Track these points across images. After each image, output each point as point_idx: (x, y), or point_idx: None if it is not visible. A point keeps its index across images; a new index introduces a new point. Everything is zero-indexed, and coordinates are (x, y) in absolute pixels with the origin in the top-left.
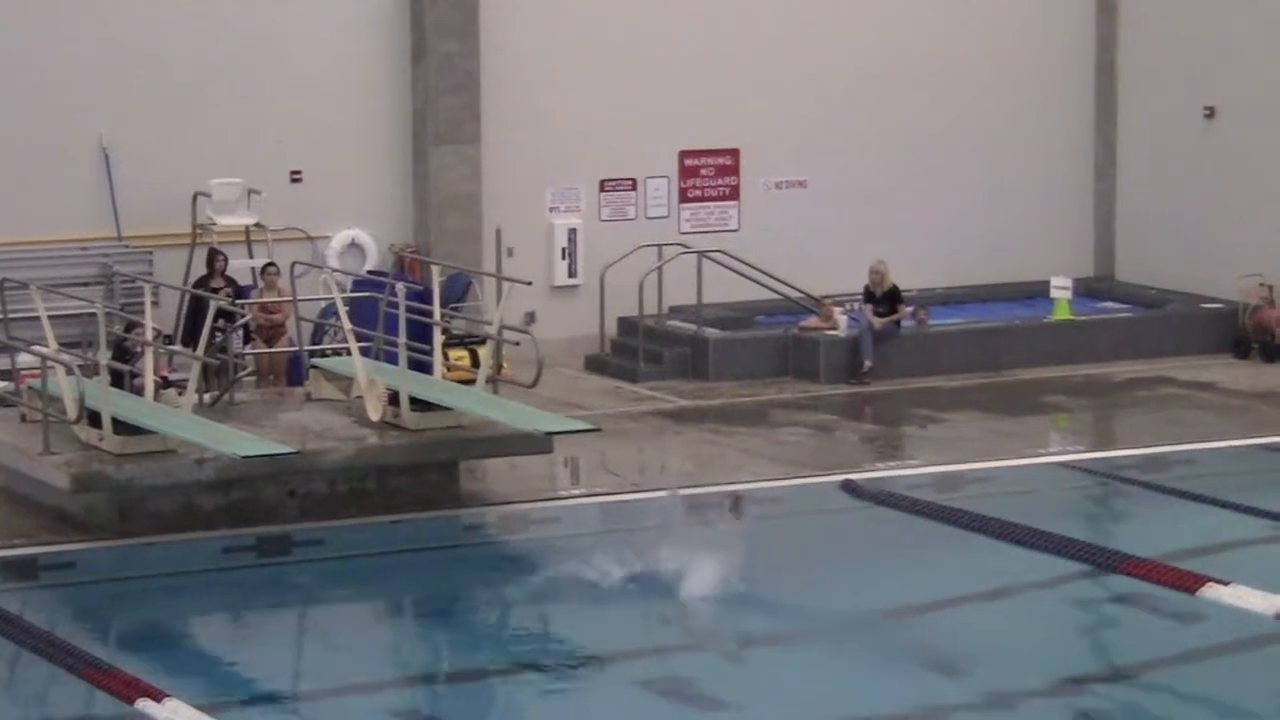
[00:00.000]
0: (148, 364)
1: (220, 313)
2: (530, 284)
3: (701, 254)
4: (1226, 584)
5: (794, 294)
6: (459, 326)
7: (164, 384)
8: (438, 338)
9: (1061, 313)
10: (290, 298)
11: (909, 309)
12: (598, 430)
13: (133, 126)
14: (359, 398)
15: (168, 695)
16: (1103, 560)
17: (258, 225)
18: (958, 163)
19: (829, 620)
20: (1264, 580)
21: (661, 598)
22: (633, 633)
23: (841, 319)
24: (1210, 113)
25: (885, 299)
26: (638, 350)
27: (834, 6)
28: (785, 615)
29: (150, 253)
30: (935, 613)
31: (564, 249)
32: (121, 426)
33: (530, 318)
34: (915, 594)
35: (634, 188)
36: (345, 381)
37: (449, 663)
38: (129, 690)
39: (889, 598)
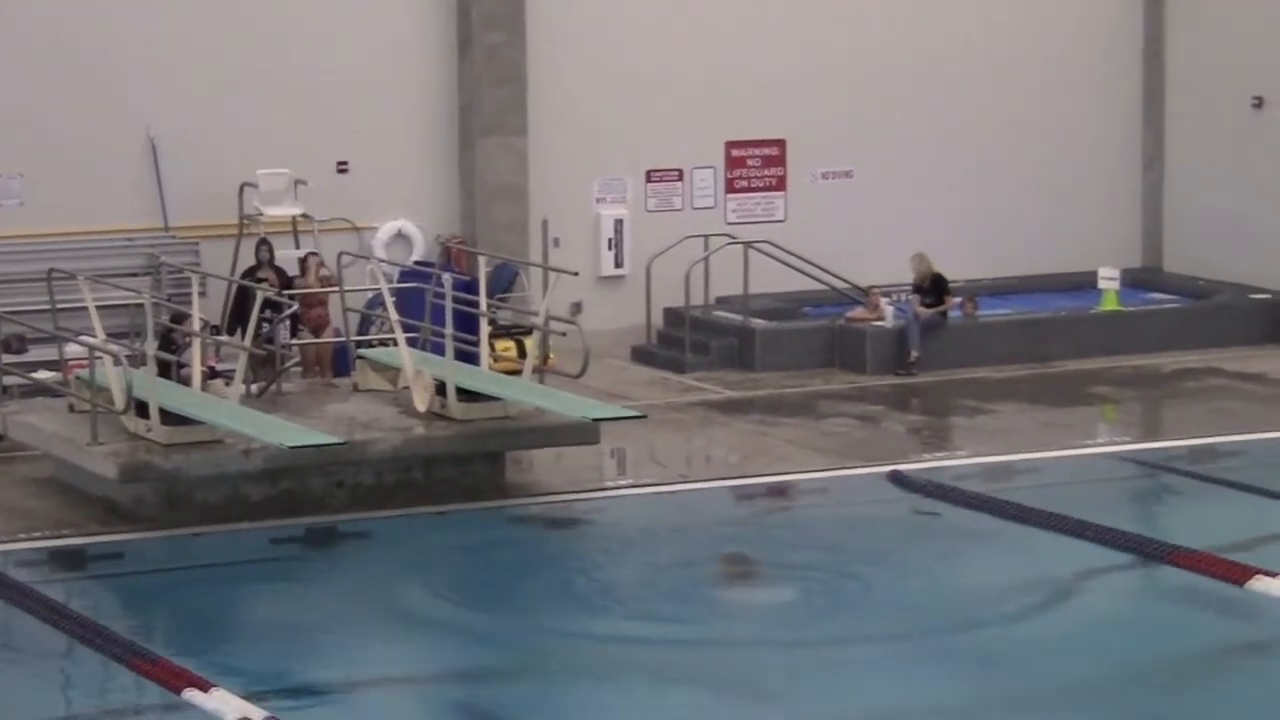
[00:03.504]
0: (195, 354)
1: (267, 303)
2: (577, 274)
3: (748, 245)
4: (1275, 575)
5: (840, 284)
6: (505, 317)
7: (211, 374)
8: (484, 328)
9: (1109, 303)
10: (333, 287)
11: (957, 300)
12: (643, 418)
13: (180, 118)
14: (406, 388)
15: (214, 685)
16: (1150, 551)
17: (304, 216)
18: (1005, 153)
19: (881, 612)
20: None
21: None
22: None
23: (888, 309)
24: (1259, 103)
25: (932, 289)
26: (684, 341)
27: None
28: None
29: (197, 243)
30: (981, 603)
31: (610, 239)
32: (169, 417)
33: (577, 308)
34: (960, 584)
35: (680, 178)
36: (392, 372)
37: (498, 656)
38: (176, 680)
39: (935, 588)
